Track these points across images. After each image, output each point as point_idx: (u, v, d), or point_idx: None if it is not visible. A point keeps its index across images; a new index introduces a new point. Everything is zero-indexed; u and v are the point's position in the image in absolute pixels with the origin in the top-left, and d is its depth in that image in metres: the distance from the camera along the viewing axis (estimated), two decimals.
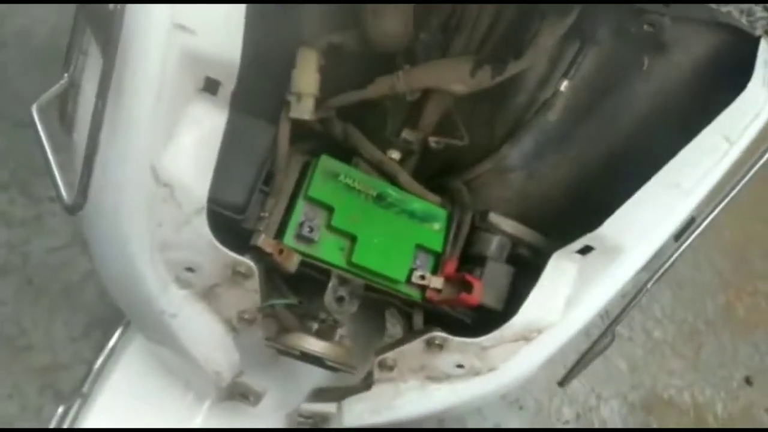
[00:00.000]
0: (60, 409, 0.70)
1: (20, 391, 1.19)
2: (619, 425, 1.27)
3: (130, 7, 0.37)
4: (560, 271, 0.47)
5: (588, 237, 0.46)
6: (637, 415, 1.28)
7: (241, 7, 0.38)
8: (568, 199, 0.53)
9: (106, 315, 1.23)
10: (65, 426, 0.74)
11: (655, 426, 1.27)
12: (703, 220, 0.46)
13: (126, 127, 0.40)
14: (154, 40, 0.38)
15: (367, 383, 0.54)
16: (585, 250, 0.47)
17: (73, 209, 0.41)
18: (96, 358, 0.78)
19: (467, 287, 0.47)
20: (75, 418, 0.72)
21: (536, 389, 1.26)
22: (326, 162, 0.49)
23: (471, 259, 0.51)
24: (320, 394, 0.57)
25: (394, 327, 0.68)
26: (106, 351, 0.73)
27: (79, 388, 0.74)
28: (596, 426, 1.28)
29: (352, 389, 0.55)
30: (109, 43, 0.37)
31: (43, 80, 1.45)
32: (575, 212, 0.53)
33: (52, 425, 0.73)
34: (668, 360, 1.33)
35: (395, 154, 0.52)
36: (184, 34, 0.38)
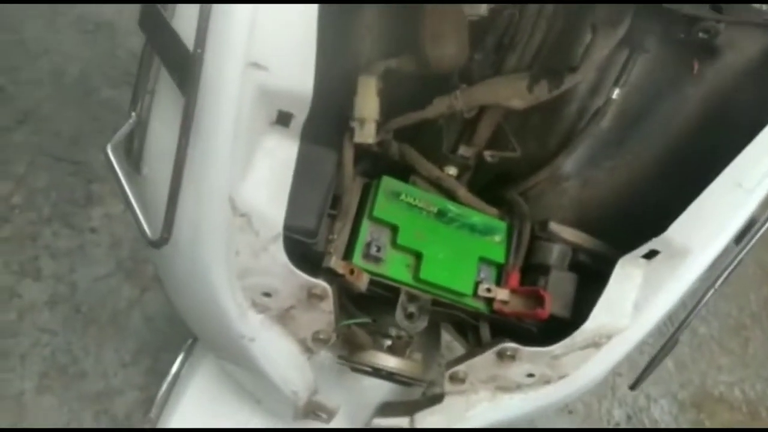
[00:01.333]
0: None
1: (77, 417, 1.22)
2: (671, 425, 1.26)
3: (209, 48, 0.38)
4: (627, 276, 0.48)
5: (654, 241, 0.47)
6: (687, 413, 1.27)
7: (312, 42, 0.39)
8: (625, 204, 0.54)
9: (153, 341, 1.26)
10: None
11: (707, 424, 1.26)
12: (766, 221, 0.47)
13: (205, 162, 0.42)
14: (230, 78, 0.40)
15: (438, 396, 0.55)
16: (651, 255, 0.48)
17: (159, 244, 0.42)
18: (149, 383, 0.80)
19: (537, 299, 0.48)
20: None
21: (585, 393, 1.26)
22: (388, 182, 0.50)
23: (533, 269, 0.52)
24: (390, 409, 0.58)
25: (452, 341, 0.69)
26: (171, 376, 0.75)
27: (143, 412, 0.76)
28: (647, 427, 1.27)
29: (423, 402, 0.56)
30: (190, 84, 0.39)
31: (79, 116, 1.49)
32: (633, 217, 0.54)
33: None
34: (716, 356, 1.33)
35: (452, 170, 0.53)
36: (259, 72, 0.40)
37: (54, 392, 1.24)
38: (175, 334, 0.78)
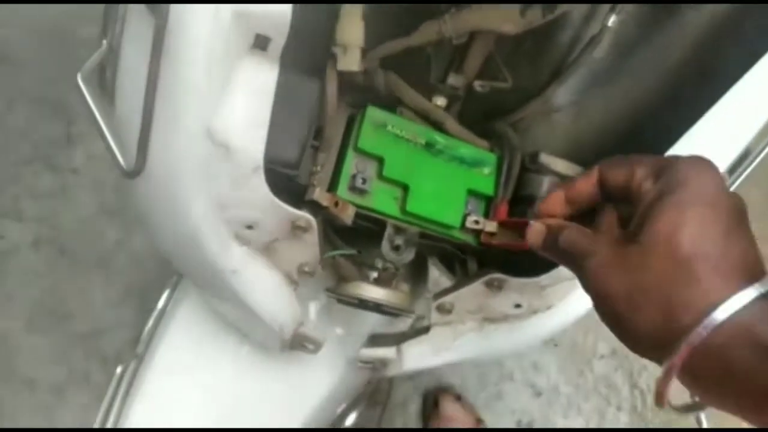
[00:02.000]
0: (118, 370, 0.72)
1: (65, 357, 1.23)
2: None
3: None
4: None
5: None
6: None
7: None
8: (619, 135, 0.53)
9: (141, 281, 1.26)
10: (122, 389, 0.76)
11: None
12: (760, 152, 0.46)
13: (179, 89, 0.40)
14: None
15: (424, 327, 0.56)
16: None
17: (133, 175, 0.41)
18: (139, 320, 0.80)
19: (522, 231, 0.47)
20: (132, 378, 0.74)
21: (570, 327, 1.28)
22: (373, 112, 0.49)
23: (522, 201, 0.51)
24: (378, 340, 0.58)
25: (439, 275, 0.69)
26: (156, 312, 0.75)
27: (132, 349, 0.76)
28: (631, 359, 1.31)
29: (410, 334, 0.56)
30: (160, 4, 0.37)
31: (56, 56, 1.41)
32: (627, 148, 0.53)
33: (111, 388, 0.75)
34: None
35: (441, 101, 0.52)
36: None
37: (43, 333, 1.25)
38: (162, 273, 0.77)
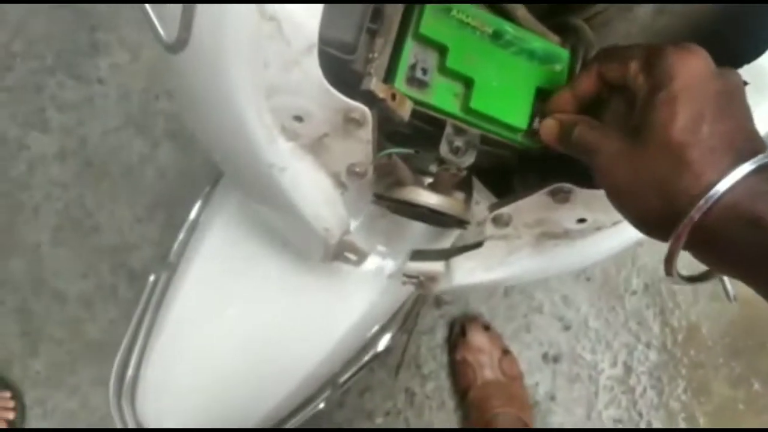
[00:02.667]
0: (151, 278, 0.71)
1: (93, 270, 1.23)
2: (688, 295, 1.26)
3: None
4: None
5: (744, 70, 0.40)
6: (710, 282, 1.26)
7: None
8: (703, 34, 0.47)
9: (167, 196, 1.24)
10: (154, 299, 0.75)
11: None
12: None
13: None
14: None
15: (472, 244, 0.52)
16: None
17: (176, 48, 0.37)
18: (166, 235, 0.77)
19: None
20: (165, 288, 0.72)
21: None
22: None
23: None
24: (424, 254, 0.55)
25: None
26: (188, 223, 0.72)
27: (160, 264, 0.74)
28: (664, 297, 1.27)
29: (460, 249, 0.53)
30: None
31: None
32: (714, 49, 0.47)
33: (144, 295, 0.74)
34: None
35: None
36: None
37: (69, 245, 1.24)
38: (190, 189, 0.74)
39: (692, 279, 0.39)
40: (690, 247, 0.34)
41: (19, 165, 1.25)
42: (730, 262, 0.34)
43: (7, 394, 1.21)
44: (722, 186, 0.31)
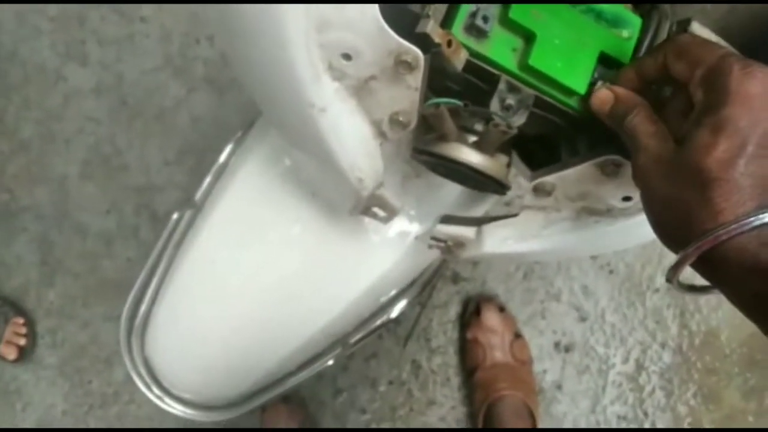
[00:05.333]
0: (174, 216, 0.70)
1: (117, 208, 1.23)
2: (712, 299, 1.23)
3: None
4: None
5: None
6: None
7: None
8: None
9: (198, 142, 1.23)
10: (176, 236, 0.74)
11: None
12: None
13: None
14: None
15: (512, 212, 0.50)
16: None
17: None
18: (193, 180, 0.76)
19: None
20: (187, 228, 0.71)
21: (629, 255, 1.22)
22: None
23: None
24: (456, 219, 0.53)
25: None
26: (217, 165, 0.71)
27: (183, 203, 0.74)
28: (687, 299, 1.25)
29: (494, 217, 0.51)
30: None
31: None
32: None
33: (165, 232, 0.73)
34: None
35: None
36: None
37: (96, 181, 1.25)
38: (222, 137, 0.73)
39: (692, 289, 0.39)
40: (695, 267, 0.35)
41: (56, 95, 1.25)
42: (729, 293, 0.35)
43: (21, 320, 1.23)
44: (734, 230, 0.32)
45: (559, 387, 1.24)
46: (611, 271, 1.24)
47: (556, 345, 1.25)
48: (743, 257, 0.32)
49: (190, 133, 1.22)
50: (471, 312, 1.22)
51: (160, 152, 1.23)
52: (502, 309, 1.21)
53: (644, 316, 1.25)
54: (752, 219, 0.32)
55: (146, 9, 1.25)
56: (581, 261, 1.21)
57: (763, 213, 0.32)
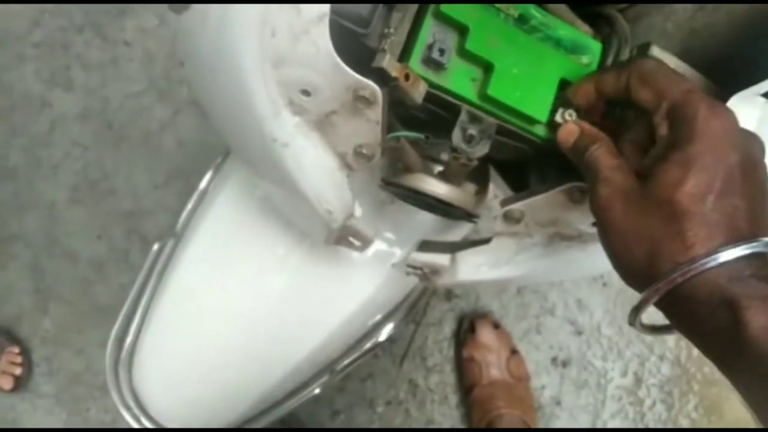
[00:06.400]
0: (155, 247, 0.70)
1: (107, 233, 1.23)
2: None
3: None
4: (738, 116, 0.39)
5: None
6: None
7: None
8: (743, 36, 0.44)
9: (185, 164, 1.23)
10: (158, 267, 0.74)
11: None
12: None
13: None
14: None
15: (482, 239, 0.50)
16: None
17: (179, 9, 0.35)
18: (181, 204, 0.76)
19: None
20: (169, 258, 0.71)
21: None
22: None
23: (621, 101, 0.43)
24: (430, 246, 0.53)
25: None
26: (197, 193, 0.71)
27: (171, 229, 0.73)
28: None
29: (468, 243, 0.50)
30: None
31: None
32: (752, 54, 0.44)
33: (147, 264, 0.73)
34: None
35: None
36: None
37: (85, 206, 1.24)
38: (208, 159, 0.73)
39: (655, 329, 0.39)
40: (659, 305, 0.35)
41: (42, 122, 1.25)
42: (693, 331, 0.34)
43: (16, 350, 1.23)
44: (707, 264, 0.32)
45: (558, 402, 1.23)
46: (605, 284, 1.23)
47: (553, 360, 1.24)
48: (712, 292, 0.32)
49: (177, 156, 1.22)
50: (466, 329, 1.21)
51: (148, 176, 1.23)
52: (496, 325, 1.20)
53: None
54: (723, 253, 0.32)
55: (129, 33, 1.26)
56: (576, 278, 1.21)
57: (732, 248, 0.32)
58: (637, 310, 0.35)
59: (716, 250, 0.32)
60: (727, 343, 0.32)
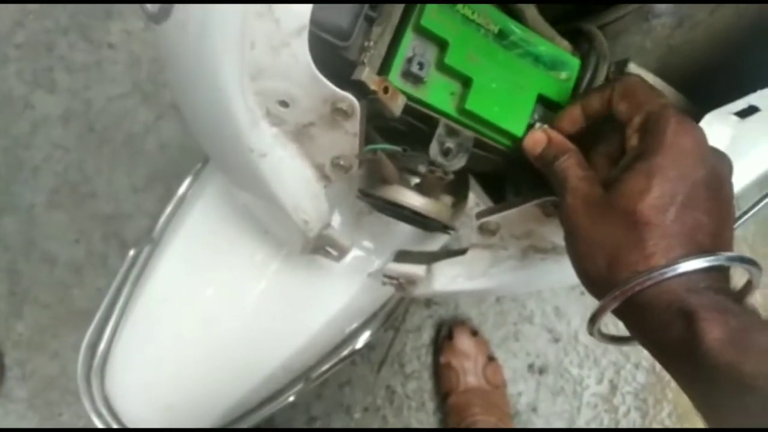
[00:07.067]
0: (131, 252, 0.69)
1: (86, 236, 1.22)
2: None
3: None
4: (711, 134, 0.40)
5: (758, 95, 0.38)
6: None
7: None
8: (721, 53, 0.45)
9: (167, 169, 1.22)
10: (133, 273, 0.73)
11: None
12: None
13: None
14: None
15: (459, 250, 0.50)
16: (747, 112, 0.40)
17: (159, 18, 0.35)
18: (161, 208, 0.76)
19: None
20: (145, 263, 0.71)
21: None
22: None
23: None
24: (407, 256, 0.53)
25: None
26: (176, 198, 0.71)
27: (147, 234, 0.73)
28: None
29: (441, 255, 0.51)
30: None
31: None
32: (728, 74, 0.45)
33: (123, 269, 0.72)
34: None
35: None
36: None
37: (64, 209, 1.23)
38: (190, 163, 0.72)
39: (614, 339, 0.39)
40: (617, 313, 0.35)
41: (23, 123, 1.24)
42: (651, 340, 0.34)
43: None
44: (666, 273, 0.32)
45: (534, 409, 1.24)
46: (583, 293, 1.24)
47: (530, 367, 1.25)
48: (670, 302, 0.32)
49: (159, 160, 1.21)
50: (444, 336, 1.21)
51: (129, 179, 1.22)
52: (474, 333, 1.20)
53: None
54: (682, 264, 0.32)
55: (114, 36, 1.25)
56: (551, 289, 1.22)
57: (692, 259, 0.32)
58: (594, 318, 0.36)
59: (675, 261, 0.32)
60: (683, 353, 0.32)
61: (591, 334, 0.37)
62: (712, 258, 0.32)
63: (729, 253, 0.33)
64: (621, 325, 0.37)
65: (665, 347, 0.33)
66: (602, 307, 0.34)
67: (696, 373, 0.32)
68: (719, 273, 0.33)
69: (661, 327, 0.33)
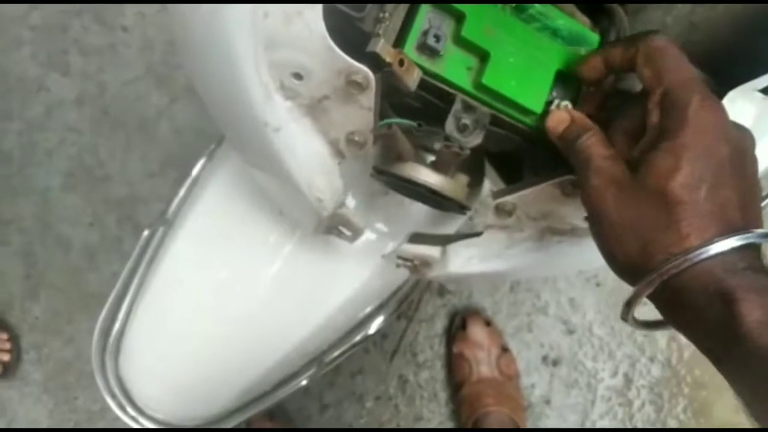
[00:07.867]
0: (145, 233, 0.69)
1: (100, 220, 1.22)
2: None
3: None
4: (736, 111, 0.39)
5: None
6: None
7: None
8: (742, 30, 0.43)
9: (181, 153, 1.22)
10: (148, 253, 0.73)
11: None
12: None
13: None
14: None
15: (475, 233, 0.49)
16: None
17: None
18: (175, 191, 0.76)
19: None
20: (159, 245, 0.71)
21: None
22: None
23: (619, 94, 0.43)
24: (421, 238, 0.52)
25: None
26: (190, 180, 0.70)
27: (161, 215, 0.73)
28: None
29: (459, 236, 0.50)
30: None
31: None
32: (751, 49, 0.43)
33: (137, 250, 0.72)
34: None
35: None
36: None
37: (79, 192, 1.24)
38: (203, 147, 0.72)
39: (648, 325, 0.38)
40: (653, 298, 0.34)
41: (38, 106, 1.25)
42: (687, 324, 0.33)
43: (5, 336, 1.22)
44: (702, 254, 0.31)
45: (547, 401, 1.23)
46: (598, 284, 1.22)
47: (544, 359, 1.23)
48: (707, 284, 0.31)
49: (173, 144, 1.21)
50: (457, 326, 1.20)
51: (143, 163, 1.22)
52: (488, 323, 1.19)
53: (632, 330, 1.23)
54: (717, 244, 0.31)
55: (128, 18, 1.25)
56: (568, 274, 1.20)
57: (726, 238, 0.31)
58: (630, 303, 0.35)
59: (710, 241, 0.31)
60: (722, 337, 0.31)
61: (625, 320, 0.36)
62: (747, 235, 0.31)
63: (763, 230, 0.32)
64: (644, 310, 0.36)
65: (702, 331, 0.32)
66: (637, 293, 0.33)
67: (735, 357, 0.31)
68: (753, 251, 0.32)
69: (698, 310, 0.32)
